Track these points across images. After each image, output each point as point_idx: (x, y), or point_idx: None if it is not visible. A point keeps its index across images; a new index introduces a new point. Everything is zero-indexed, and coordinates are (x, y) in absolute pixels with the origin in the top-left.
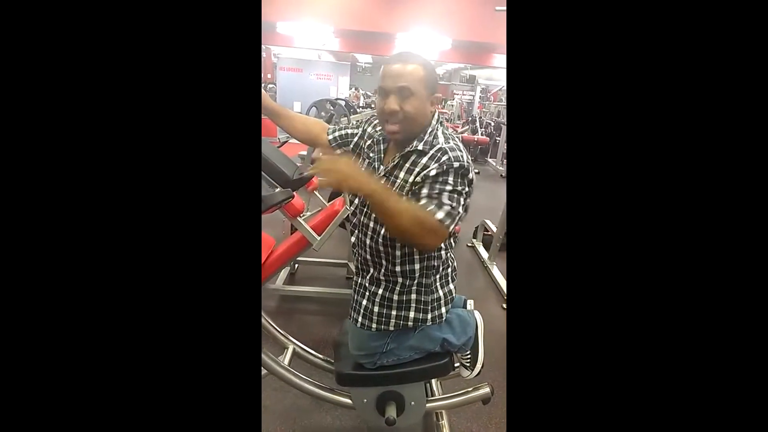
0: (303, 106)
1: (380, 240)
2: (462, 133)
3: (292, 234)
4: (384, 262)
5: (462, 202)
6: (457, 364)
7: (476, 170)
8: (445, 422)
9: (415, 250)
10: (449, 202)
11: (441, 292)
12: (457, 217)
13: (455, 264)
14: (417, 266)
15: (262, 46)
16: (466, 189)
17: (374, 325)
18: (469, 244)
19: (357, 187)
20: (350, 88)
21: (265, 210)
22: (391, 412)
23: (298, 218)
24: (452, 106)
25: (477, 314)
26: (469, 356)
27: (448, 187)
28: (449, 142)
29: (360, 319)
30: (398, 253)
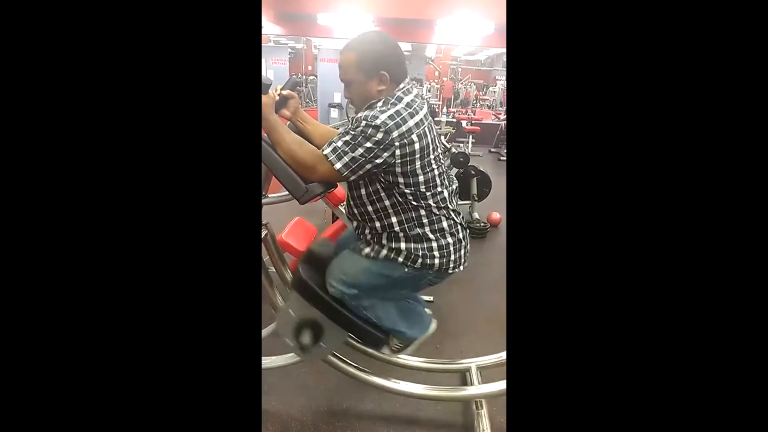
0: (342, 97)
1: (355, 203)
2: (504, 120)
3: (333, 222)
4: (366, 222)
5: (356, 149)
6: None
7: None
8: (484, 411)
9: (387, 204)
10: (341, 145)
11: (435, 243)
12: (348, 159)
13: (457, 225)
14: (394, 219)
15: (302, 38)
16: (367, 144)
17: (366, 250)
18: None
19: (262, 121)
20: None
21: (310, 199)
22: (305, 337)
23: (340, 207)
24: (494, 92)
25: (434, 323)
26: (401, 346)
27: (347, 136)
28: (377, 107)
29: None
30: (371, 208)
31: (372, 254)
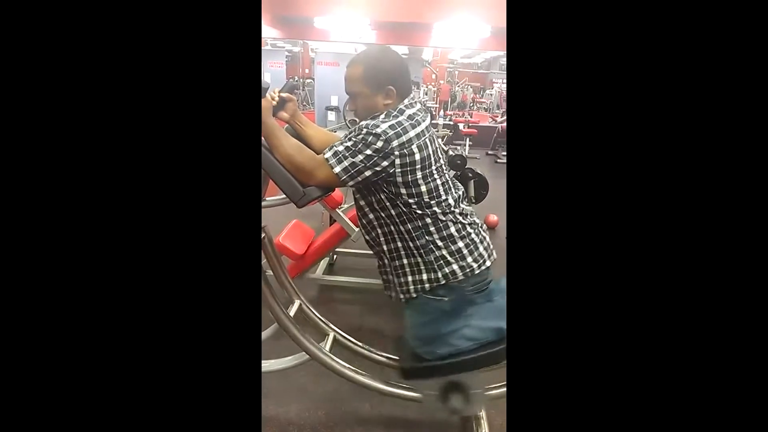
0: (340, 101)
1: (367, 209)
2: (501, 123)
3: (330, 225)
4: (372, 231)
5: (356, 155)
6: None
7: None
8: (483, 414)
9: (393, 213)
10: (342, 149)
11: (446, 251)
12: (347, 164)
13: (466, 227)
14: (401, 228)
15: (299, 41)
16: (367, 151)
17: (402, 296)
18: None
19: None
20: None
21: (307, 202)
22: (455, 401)
23: (337, 210)
24: (491, 95)
25: None
26: None
27: (349, 142)
28: (380, 117)
29: (393, 295)
30: (372, 216)
31: (406, 298)
